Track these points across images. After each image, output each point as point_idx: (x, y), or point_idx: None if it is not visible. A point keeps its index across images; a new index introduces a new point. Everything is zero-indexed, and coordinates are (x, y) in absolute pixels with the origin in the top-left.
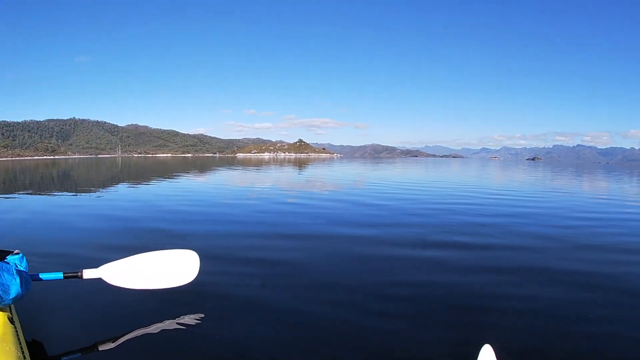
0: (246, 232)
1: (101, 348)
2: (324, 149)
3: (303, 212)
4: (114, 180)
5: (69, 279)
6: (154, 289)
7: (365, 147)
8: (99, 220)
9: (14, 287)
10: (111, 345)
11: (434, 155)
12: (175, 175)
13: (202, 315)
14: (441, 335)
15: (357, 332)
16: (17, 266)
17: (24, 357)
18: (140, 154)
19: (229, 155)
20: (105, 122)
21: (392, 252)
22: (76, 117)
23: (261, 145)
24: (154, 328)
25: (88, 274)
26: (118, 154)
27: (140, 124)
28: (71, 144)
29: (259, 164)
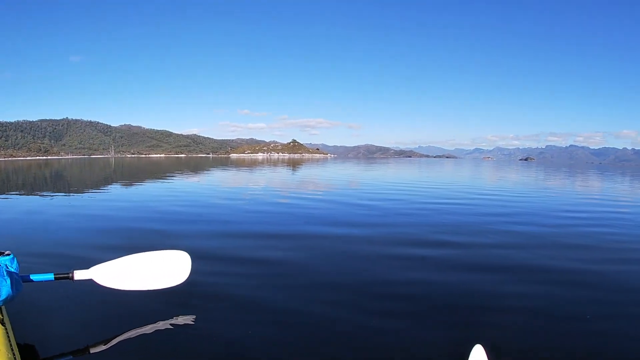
0: (238, 232)
1: (93, 350)
2: (317, 149)
3: (296, 212)
4: (107, 181)
5: (60, 280)
6: (146, 290)
7: (359, 147)
8: (91, 220)
9: (5, 289)
10: (103, 347)
11: (427, 156)
12: (168, 176)
13: (195, 316)
14: (435, 335)
15: (352, 331)
16: (7, 267)
17: (15, 359)
18: (133, 154)
19: (222, 155)
20: (98, 123)
21: (387, 252)
22: (69, 117)
23: (255, 145)
24: (146, 329)
25: (79, 275)
26: (111, 155)
27: (134, 124)
28: (64, 145)
29: (252, 164)
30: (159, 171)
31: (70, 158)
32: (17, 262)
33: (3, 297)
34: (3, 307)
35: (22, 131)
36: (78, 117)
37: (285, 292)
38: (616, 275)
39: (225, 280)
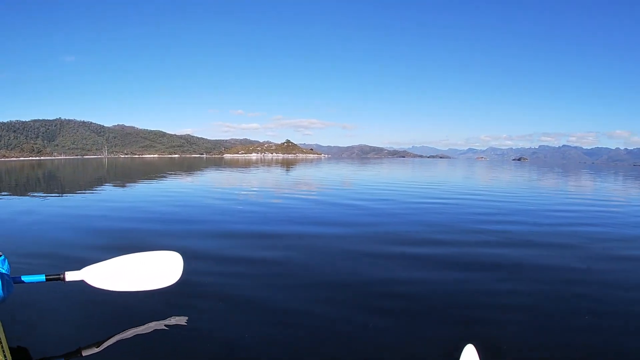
0: (231, 233)
1: (85, 353)
2: (311, 149)
3: (289, 212)
4: (99, 182)
5: (52, 282)
6: (138, 291)
7: (352, 147)
8: (82, 221)
9: None
10: (95, 349)
11: (421, 156)
12: (161, 177)
13: (188, 317)
14: (428, 334)
15: (347, 330)
16: None
17: None
18: (126, 154)
19: (216, 156)
20: (91, 123)
21: (380, 251)
22: (62, 118)
23: (249, 146)
24: (139, 331)
25: (70, 276)
26: (104, 155)
27: (127, 124)
28: (57, 145)
29: (246, 165)
30: (152, 171)
31: (63, 158)
32: (8, 263)
33: None
34: None
35: (14, 131)
36: (71, 117)
37: (278, 291)
38: (611, 274)
39: (217, 280)
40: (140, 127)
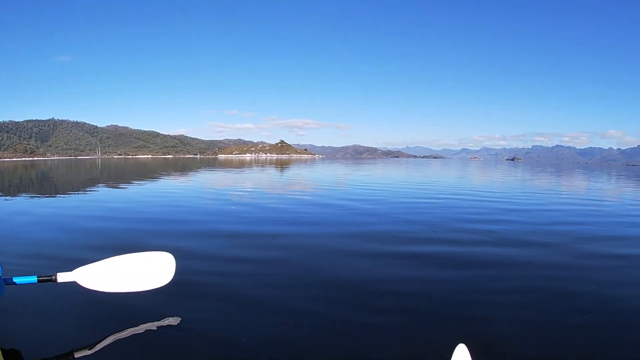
0: (224, 233)
1: (77, 355)
2: (305, 149)
3: (282, 212)
4: (92, 182)
5: (44, 283)
6: (130, 292)
7: (346, 147)
8: (74, 222)
9: None
10: (88, 352)
11: (414, 156)
12: (154, 177)
13: (181, 318)
14: (423, 333)
15: (343, 329)
16: None
17: None
18: (120, 155)
19: (210, 156)
20: (84, 123)
21: (376, 250)
22: (55, 118)
23: (243, 146)
24: (132, 332)
25: (62, 277)
26: (98, 156)
27: (120, 124)
28: (50, 145)
29: (240, 165)
30: (146, 172)
31: (57, 159)
32: (0, 264)
33: None
34: None
35: (7, 132)
36: (64, 118)
37: (274, 291)
38: (603, 272)
39: (211, 280)
40: (134, 128)
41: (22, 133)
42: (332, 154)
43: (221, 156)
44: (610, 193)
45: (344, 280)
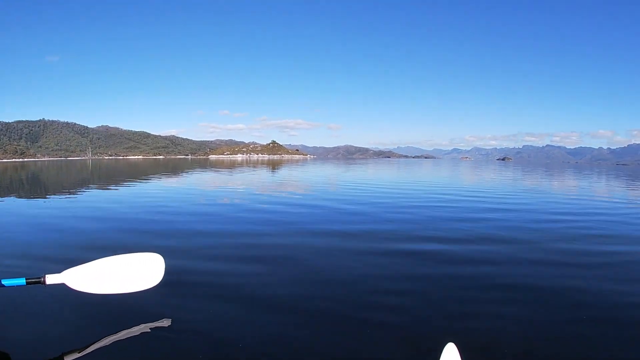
0: (215, 233)
1: (67, 358)
2: (297, 150)
3: (275, 213)
4: (82, 183)
5: (32, 285)
6: (120, 294)
7: (338, 148)
8: (64, 223)
9: None
10: (77, 355)
11: (406, 156)
12: (145, 178)
13: (171, 319)
14: (408, 332)
15: (341, 328)
16: None
17: None
18: (111, 156)
19: (201, 157)
20: (75, 124)
21: (369, 248)
22: (45, 119)
23: (234, 146)
24: (122, 335)
25: (51, 279)
26: (88, 157)
27: (111, 125)
28: (40, 146)
29: (231, 165)
30: (137, 173)
31: (47, 160)
32: None
33: None
34: None
35: None
36: (55, 118)
37: (268, 290)
38: (597, 269)
39: (200, 280)
40: (125, 128)
41: (12, 134)
42: (324, 155)
43: (212, 157)
44: (602, 191)
45: (330, 279)
